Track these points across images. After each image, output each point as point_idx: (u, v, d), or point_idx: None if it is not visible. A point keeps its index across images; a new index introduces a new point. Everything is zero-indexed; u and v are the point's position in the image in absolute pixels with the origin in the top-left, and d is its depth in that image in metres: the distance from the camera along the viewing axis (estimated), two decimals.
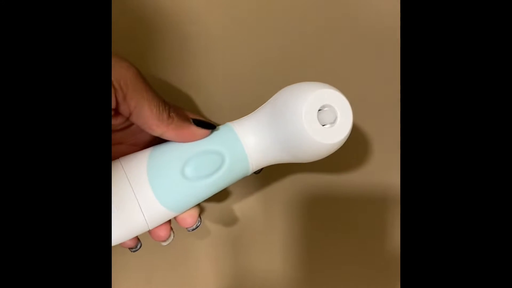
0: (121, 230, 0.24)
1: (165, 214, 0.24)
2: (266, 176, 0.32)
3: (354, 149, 0.33)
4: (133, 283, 0.32)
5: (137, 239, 0.26)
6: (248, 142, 0.25)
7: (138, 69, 0.23)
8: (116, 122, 0.24)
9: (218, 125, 0.26)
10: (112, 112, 0.23)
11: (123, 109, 0.23)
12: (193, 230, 0.26)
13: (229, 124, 0.26)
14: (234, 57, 0.32)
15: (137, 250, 0.26)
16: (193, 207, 0.26)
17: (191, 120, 0.25)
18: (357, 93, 0.33)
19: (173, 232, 0.26)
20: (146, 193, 0.24)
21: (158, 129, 0.24)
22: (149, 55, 0.31)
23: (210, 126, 0.25)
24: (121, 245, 0.25)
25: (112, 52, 0.21)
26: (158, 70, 0.30)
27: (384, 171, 0.33)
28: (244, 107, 0.27)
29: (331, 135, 0.23)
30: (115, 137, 0.26)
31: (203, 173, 0.24)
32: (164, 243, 0.26)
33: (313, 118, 0.22)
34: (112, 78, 0.21)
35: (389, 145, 0.33)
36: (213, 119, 0.31)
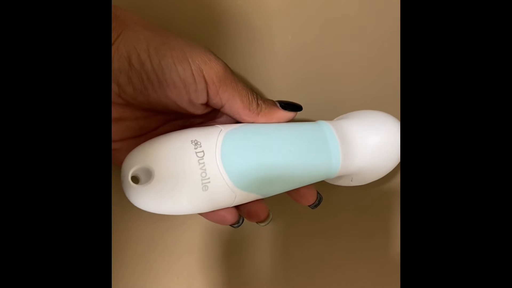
0: (207, 200, 0.23)
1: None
2: None
3: None
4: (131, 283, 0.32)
5: (238, 214, 0.26)
6: (342, 142, 0.26)
7: (225, 62, 0.23)
8: (203, 111, 0.24)
9: (301, 107, 0.26)
10: (202, 109, 0.24)
11: (215, 102, 0.23)
12: (265, 225, 0.26)
13: (325, 122, 0.27)
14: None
15: (239, 226, 0.26)
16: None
17: (278, 104, 0.25)
18: (357, 93, 0.33)
19: (271, 214, 0.26)
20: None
21: (248, 118, 0.24)
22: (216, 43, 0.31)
23: (297, 108, 0.26)
24: (220, 221, 0.25)
25: (197, 43, 0.22)
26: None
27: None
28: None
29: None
30: (196, 120, 0.27)
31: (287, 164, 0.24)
32: (262, 224, 0.26)
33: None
34: (205, 73, 0.22)
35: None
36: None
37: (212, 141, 0.23)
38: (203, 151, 0.22)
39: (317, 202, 0.27)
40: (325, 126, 0.26)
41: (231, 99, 0.23)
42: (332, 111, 0.31)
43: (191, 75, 0.22)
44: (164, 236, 0.31)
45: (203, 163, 0.22)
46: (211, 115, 0.27)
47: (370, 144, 0.27)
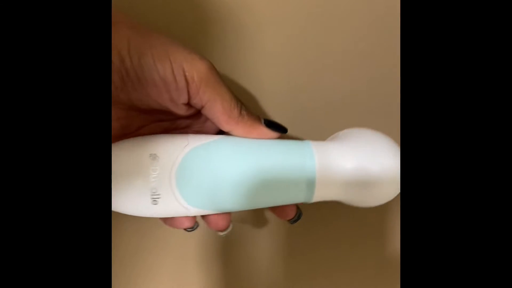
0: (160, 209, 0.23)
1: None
2: None
3: None
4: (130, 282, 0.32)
5: (195, 220, 0.25)
6: (322, 167, 0.24)
7: (211, 63, 0.23)
8: (186, 112, 0.24)
9: (286, 130, 0.25)
10: (185, 109, 0.23)
11: (195, 102, 0.23)
12: (223, 235, 0.26)
13: (309, 142, 0.25)
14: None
15: (193, 230, 0.25)
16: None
17: (262, 120, 0.24)
18: (357, 93, 0.33)
19: (231, 224, 0.25)
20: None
21: (227, 125, 0.23)
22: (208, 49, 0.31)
23: (281, 129, 0.25)
24: (174, 225, 0.25)
25: (183, 44, 0.22)
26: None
27: None
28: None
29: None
30: (183, 122, 0.26)
31: (258, 182, 0.23)
32: (221, 233, 0.25)
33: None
34: (186, 72, 0.21)
35: None
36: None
37: (171, 157, 0.23)
38: (158, 168, 0.22)
39: (296, 217, 0.26)
40: (308, 151, 0.24)
41: (211, 101, 0.22)
42: (324, 114, 0.31)
43: (171, 73, 0.21)
44: (161, 235, 0.31)
45: (156, 179, 0.22)
46: (198, 119, 0.26)
47: (354, 174, 0.24)
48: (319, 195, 0.24)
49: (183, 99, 0.22)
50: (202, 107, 0.23)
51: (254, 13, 0.31)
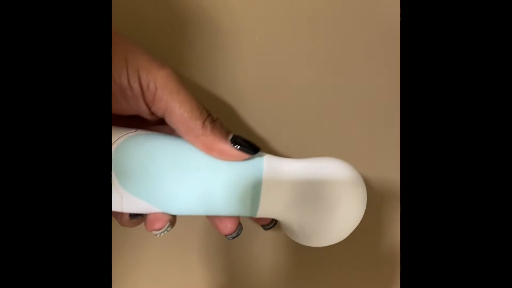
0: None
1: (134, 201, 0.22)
2: None
3: (354, 148, 0.33)
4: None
5: (167, 221, 0.23)
6: (270, 184, 0.22)
7: (173, 70, 0.22)
8: (155, 118, 0.23)
9: (258, 150, 0.23)
10: (150, 117, 0.22)
11: (154, 110, 0.22)
12: (158, 235, 0.23)
13: (264, 156, 0.23)
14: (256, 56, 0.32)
15: (163, 232, 0.23)
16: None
17: (230, 137, 0.22)
18: (357, 92, 0.33)
19: (171, 224, 0.23)
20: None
21: (187, 137, 0.22)
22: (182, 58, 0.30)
23: (249, 149, 0.22)
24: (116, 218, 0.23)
25: (146, 51, 0.21)
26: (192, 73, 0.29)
27: (384, 170, 0.33)
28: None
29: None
30: (153, 129, 0.25)
31: (197, 187, 0.21)
32: (155, 233, 0.23)
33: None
34: (141, 79, 0.21)
35: (389, 144, 0.33)
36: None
37: (113, 140, 0.22)
38: None
39: (235, 234, 0.23)
40: (258, 160, 0.22)
41: (169, 110, 0.21)
42: (303, 119, 0.31)
43: (126, 80, 0.21)
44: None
45: None
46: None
47: (304, 188, 0.22)
48: (264, 209, 0.22)
49: (142, 106, 0.22)
50: (163, 115, 0.22)
51: (233, 16, 0.30)
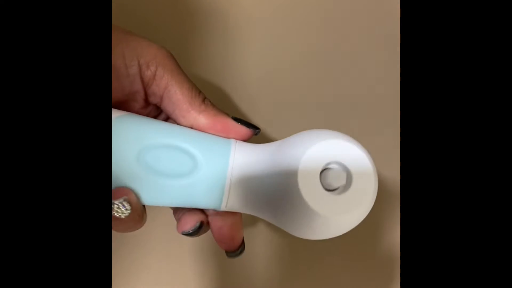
0: None
1: None
2: None
3: None
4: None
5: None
6: (236, 174, 0.19)
7: (170, 52, 0.21)
8: (142, 105, 0.23)
9: (259, 129, 0.22)
10: (142, 103, 0.22)
11: (152, 91, 0.21)
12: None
13: (232, 141, 0.21)
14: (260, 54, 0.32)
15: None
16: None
17: (230, 116, 0.22)
18: (357, 92, 0.33)
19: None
20: None
21: (188, 115, 0.21)
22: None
23: (251, 126, 0.22)
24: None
25: (142, 36, 0.21)
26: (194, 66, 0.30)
27: (384, 170, 0.33)
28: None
29: (340, 205, 0.17)
30: None
31: (161, 170, 0.19)
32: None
33: (312, 180, 0.17)
34: (140, 58, 0.20)
35: (389, 144, 0.33)
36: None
37: None
38: None
39: (191, 231, 0.21)
40: (226, 147, 0.20)
41: (169, 89, 0.21)
42: (309, 116, 0.31)
43: (121, 57, 0.20)
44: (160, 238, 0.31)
45: None
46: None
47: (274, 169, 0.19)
48: (231, 202, 0.20)
49: (137, 86, 0.21)
50: (161, 98, 0.21)
51: (243, 10, 0.30)
